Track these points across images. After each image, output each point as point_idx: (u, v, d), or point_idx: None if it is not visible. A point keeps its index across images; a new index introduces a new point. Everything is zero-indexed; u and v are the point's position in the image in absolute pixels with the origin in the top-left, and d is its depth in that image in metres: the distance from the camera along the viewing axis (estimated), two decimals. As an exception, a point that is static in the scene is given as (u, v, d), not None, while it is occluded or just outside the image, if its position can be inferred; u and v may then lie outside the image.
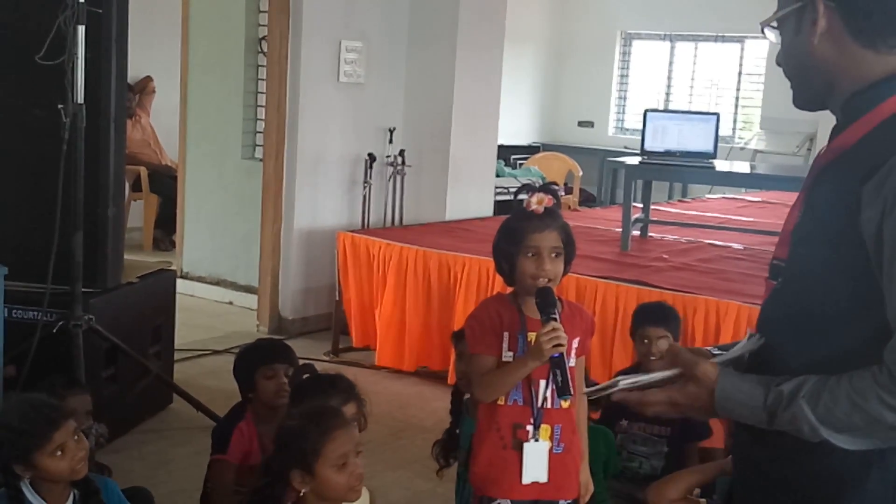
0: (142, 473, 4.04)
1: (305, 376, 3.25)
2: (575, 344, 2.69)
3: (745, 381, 1.68)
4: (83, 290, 4.13)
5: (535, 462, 2.64)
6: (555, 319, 2.52)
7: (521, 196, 2.68)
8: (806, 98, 1.80)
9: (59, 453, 2.68)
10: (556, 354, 2.49)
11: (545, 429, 2.64)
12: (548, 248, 2.61)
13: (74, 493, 2.78)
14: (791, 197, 1.94)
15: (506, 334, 2.63)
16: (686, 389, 1.73)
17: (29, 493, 2.69)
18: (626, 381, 1.79)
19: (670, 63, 11.91)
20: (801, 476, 1.69)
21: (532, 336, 2.60)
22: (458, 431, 3.36)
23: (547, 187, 2.68)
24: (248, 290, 6.78)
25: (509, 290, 2.75)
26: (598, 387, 1.86)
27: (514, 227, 2.67)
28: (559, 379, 2.49)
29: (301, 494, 2.50)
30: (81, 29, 3.97)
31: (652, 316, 3.82)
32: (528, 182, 2.81)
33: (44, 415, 2.72)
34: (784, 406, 1.61)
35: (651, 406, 1.77)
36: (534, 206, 2.63)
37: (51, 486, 2.73)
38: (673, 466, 3.61)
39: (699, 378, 1.71)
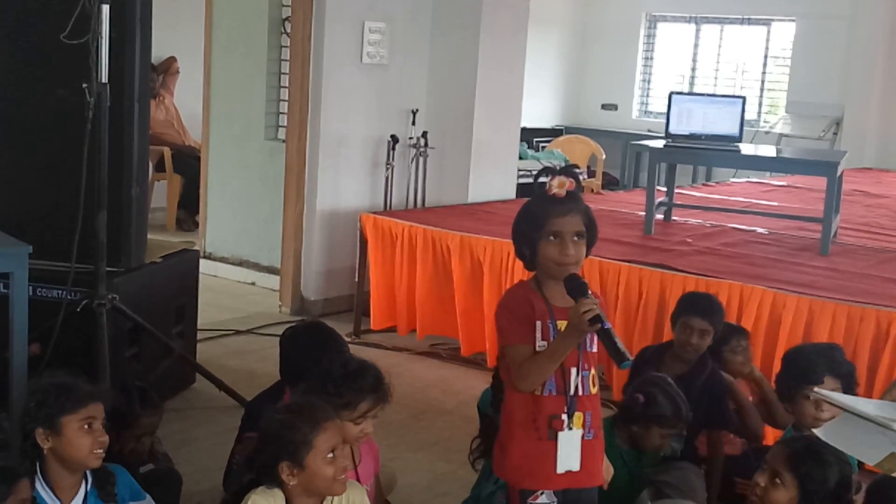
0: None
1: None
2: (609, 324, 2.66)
3: None
4: (107, 269, 4.13)
5: (570, 451, 2.63)
6: (584, 294, 2.51)
7: (542, 179, 2.64)
8: None
9: (87, 427, 2.72)
10: (607, 325, 2.47)
11: (578, 416, 2.63)
12: (570, 232, 2.59)
13: (86, 483, 2.80)
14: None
15: (538, 323, 2.60)
16: None
17: (40, 485, 2.71)
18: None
19: (695, 46, 11.83)
20: None
21: (561, 324, 2.58)
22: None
23: (567, 170, 2.65)
24: (270, 270, 6.80)
25: (529, 275, 2.73)
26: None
27: (535, 212, 2.64)
28: (611, 349, 2.48)
29: (289, 487, 2.54)
30: (106, 8, 3.96)
31: (700, 307, 3.84)
32: (548, 165, 2.77)
33: (81, 388, 2.81)
34: None
35: None
36: (555, 190, 2.60)
37: (62, 476, 2.75)
38: (690, 448, 3.68)
39: None
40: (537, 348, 2.59)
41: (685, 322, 3.78)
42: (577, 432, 2.63)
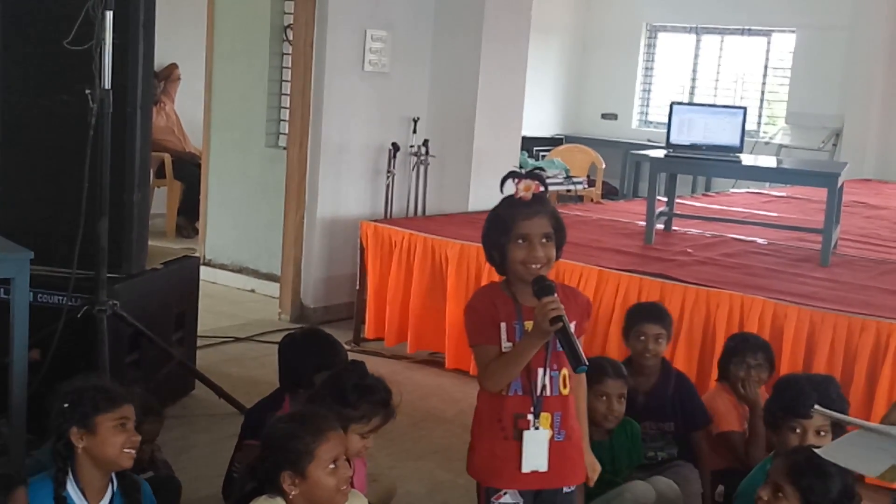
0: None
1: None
2: (571, 327, 2.66)
3: None
4: (108, 275, 4.13)
5: (535, 450, 2.64)
6: (549, 295, 2.52)
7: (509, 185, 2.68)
8: None
9: (121, 427, 2.75)
10: (567, 326, 2.47)
11: (545, 417, 2.65)
12: (538, 234, 2.63)
13: (113, 487, 2.81)
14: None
15: (503, 325, 2.63)
16: None
17: (72, 486, 2.72)
18: None
19: (696, 56, 11.86)
20: None
21: (528, 324, 2.60)
22: None
23: (533, 173, 2.69)
24: (270, 278, 6.79)
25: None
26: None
27: (502, 216, 2.68)
28: (568, 351, 2.49)
29: (290, 497, 2.53)
30: (109, 14, 3.96)
31: (650, 313, 3.90)
32: (513, 169, 2.81)
33: (115, 389, 2.85)
34: None
35: None
36: (521, 194, 2.64)
37: (92, 477, 2.77)
38: (685, 450, 3.74)
39: None
40: (503, 349, 2.62)
41: (639, 330, 3.82)
42: (543, 432, 2.64)
